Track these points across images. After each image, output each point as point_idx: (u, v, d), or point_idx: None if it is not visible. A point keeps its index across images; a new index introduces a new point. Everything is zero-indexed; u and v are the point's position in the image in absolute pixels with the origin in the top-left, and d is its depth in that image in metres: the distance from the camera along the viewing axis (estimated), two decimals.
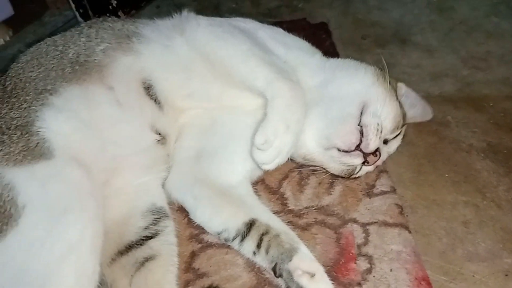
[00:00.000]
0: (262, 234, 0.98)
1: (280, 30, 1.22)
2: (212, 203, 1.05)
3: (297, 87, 0.99)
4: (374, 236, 1.04)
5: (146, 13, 1.96)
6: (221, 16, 1.94)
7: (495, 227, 1.07)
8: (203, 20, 1.12)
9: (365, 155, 1.03)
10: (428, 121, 1.33)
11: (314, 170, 1.15)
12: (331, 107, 1.06)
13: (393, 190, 1.13)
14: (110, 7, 1.80)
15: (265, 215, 1.03)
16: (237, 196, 1.07)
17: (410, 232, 1.04)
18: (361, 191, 1.14)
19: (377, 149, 1.03)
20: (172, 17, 1.20)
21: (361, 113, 1.03)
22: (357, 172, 1.10)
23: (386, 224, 1.06)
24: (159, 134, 1.06)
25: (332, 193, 1.15)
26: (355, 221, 1.07)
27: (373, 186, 1.15)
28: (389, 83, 1.10)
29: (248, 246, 0.98)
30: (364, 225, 1.06)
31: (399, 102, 1.11)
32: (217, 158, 1.11)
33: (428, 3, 1.84)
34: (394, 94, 1.11)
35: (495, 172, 1.18)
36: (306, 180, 1.18)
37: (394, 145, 1.13)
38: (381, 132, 1.03)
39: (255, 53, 1.02)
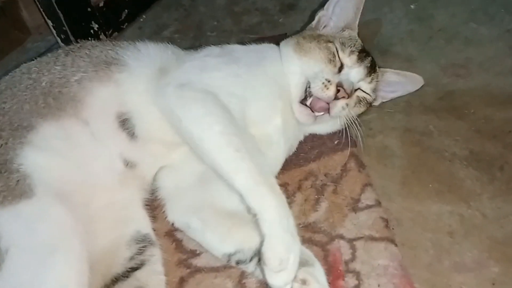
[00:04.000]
0: None
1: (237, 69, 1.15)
2: (224, 224, 1.04)
3: (277, 188, 0.93)
4: (361, 252, 1.04)
5: (128, 35, 1.97)
6: (203, 33, 1.99)
7: (481, 236, 1.08)
8: (174, 79, 1.07)
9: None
10: (410, 131, 1.35)
11: None
12: None
13: (378, 204, 1.14)
14: (92, 31, 1.80)
15: None
16: (250, 217, 1.00)
17: (396, 245, 1.05)
18: (347, 206, 1.14)
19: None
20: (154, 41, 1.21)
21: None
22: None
23: (372, 238, 1.06)
24: (127, 162, 1.06)
25: (318, 209, 1.15)
26: (342, 237, 1.08)
27: (358, 200, 1.15)
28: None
29: None
30: (350, 241, 1.07)
31: None
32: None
33: (406, 12, 1.86)
34: None
35: (479, 180, 1.19)
36: (292, 197, 1.19)
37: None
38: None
39: (228, 141, 0.95)
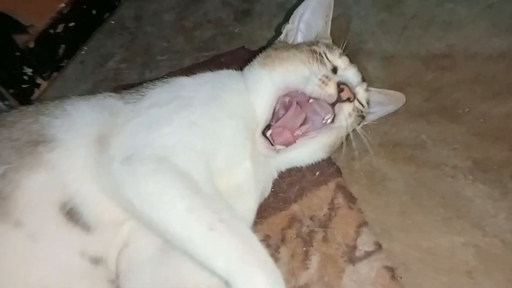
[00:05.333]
0: None
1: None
2: None
3: (269, 263, 0.75)
4: None
5: (71, 72, 1.74)
6: (153, 58, 1.78)
7: (504, 269, 0.91)
8: (117, 150, 0.86)
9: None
10: (400, 146, 1.16)
11: None
12: None
13: (379, 248, 0.96)
14: (26, 77, 1.57)
15: None
16: None
17: None
18: (342, 257, 0.96)
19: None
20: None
21: None
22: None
23: None
24: (93, 259, 0.86)
25: (309, 266, 0.96)
26: None
27: (355, 247, 0.97)
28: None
29: None
30: None
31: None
32: None
33: (373, 1, 1.66)
34: None
35: (490, 197, 1.02)
36: (276, 254, 0.99)
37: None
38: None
39: (198, 219, 0.77)
